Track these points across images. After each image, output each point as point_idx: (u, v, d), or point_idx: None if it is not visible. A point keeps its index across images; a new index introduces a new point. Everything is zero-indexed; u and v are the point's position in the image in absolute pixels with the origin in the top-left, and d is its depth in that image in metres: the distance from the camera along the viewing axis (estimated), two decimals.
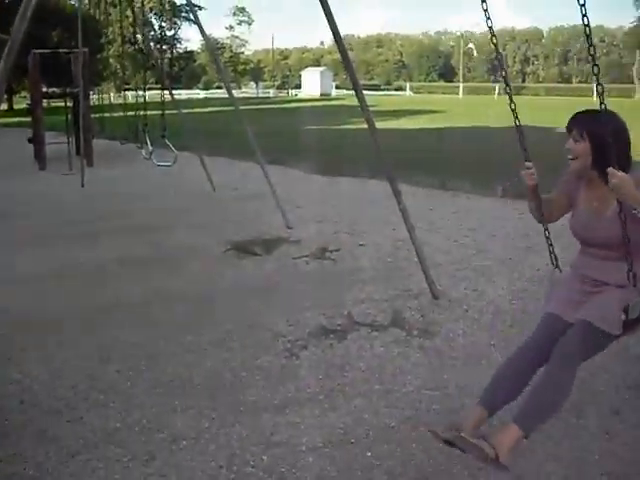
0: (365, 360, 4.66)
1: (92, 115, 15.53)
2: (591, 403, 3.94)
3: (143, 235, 8.30)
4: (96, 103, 16.75)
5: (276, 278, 6.60)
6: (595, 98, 4.67)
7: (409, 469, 3.35)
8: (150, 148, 10.20)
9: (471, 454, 2.98)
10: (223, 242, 7.81)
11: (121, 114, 12.79)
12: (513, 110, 3.44)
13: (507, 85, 3.50)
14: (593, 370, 4.08)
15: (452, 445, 3.02)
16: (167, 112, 9.69)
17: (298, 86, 77.45)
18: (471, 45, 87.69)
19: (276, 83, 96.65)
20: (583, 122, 3.25)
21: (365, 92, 6.29)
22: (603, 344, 3.22)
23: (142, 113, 10.44)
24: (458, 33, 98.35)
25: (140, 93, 11.50)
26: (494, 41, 3.43)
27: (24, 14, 4.30)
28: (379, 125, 6.06)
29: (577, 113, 3.32)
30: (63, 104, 15.74)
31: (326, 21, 5.34)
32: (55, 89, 17.22)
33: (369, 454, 3.49)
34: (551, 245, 3.56)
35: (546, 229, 3.56)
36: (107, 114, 16.06)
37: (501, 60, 3.55)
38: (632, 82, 72.84)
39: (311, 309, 5.61)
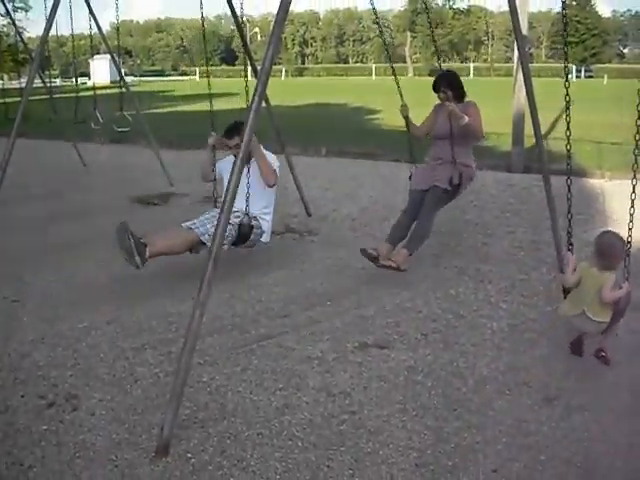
0: None
1: None
2: None
3: None
4: None
5: None
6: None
7: None
8: (102, 120, 11.67)
9: (384, 267, 5.58)
10: None
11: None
12: None
13: None
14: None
15: (373, 261, 5.65)
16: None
17: (83, 74, 75.52)
18: (257, 29, 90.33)
19: (54, 72, 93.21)
20: (442, 80, 6.02)
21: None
22: (444, 198, 5.90)
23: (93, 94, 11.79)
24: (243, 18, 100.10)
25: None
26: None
27: None
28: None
29: (439, 75, 6.12)
30: None
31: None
32: None
33: None
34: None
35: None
36: None
37: None
38: (405, 62, 78.44)
39: None
